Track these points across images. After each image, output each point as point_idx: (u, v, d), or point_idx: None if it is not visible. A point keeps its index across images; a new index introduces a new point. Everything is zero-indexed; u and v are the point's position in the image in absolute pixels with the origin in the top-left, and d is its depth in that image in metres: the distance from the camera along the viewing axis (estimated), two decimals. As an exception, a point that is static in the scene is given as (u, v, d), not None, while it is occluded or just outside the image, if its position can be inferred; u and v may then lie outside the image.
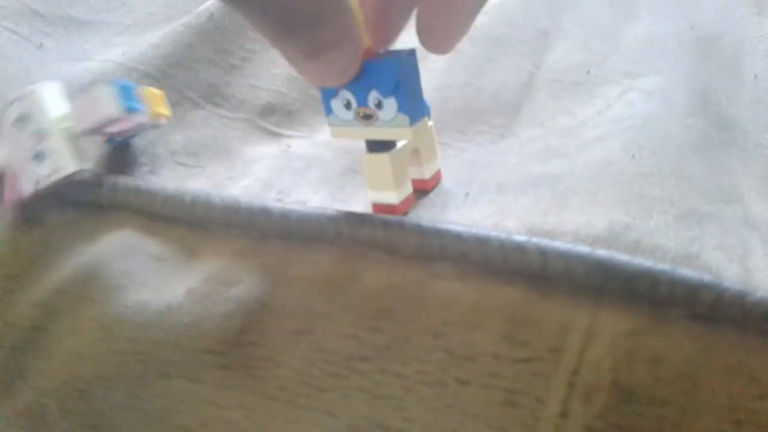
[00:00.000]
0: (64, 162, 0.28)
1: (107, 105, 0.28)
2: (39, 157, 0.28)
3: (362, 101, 0.26)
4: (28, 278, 0.29)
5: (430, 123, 0.29)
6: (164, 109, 0.31)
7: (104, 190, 0.30)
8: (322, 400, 0.25)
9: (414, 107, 0.26)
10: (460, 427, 0.23)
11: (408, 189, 0.28)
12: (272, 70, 0.39)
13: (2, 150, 0.28)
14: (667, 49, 0.38)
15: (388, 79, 0.25)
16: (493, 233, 0.25)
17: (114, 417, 0.27)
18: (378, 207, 0.28)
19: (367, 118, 0.27)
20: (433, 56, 0.39)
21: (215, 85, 0.38)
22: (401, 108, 0.26)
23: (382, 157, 0.27)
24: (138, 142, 0.34)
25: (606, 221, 0.25)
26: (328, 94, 0.27)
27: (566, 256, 0.23)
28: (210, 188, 0.30)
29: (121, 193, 0.30)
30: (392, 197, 0.27)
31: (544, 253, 0.24)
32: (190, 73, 0.38)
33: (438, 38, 0.26)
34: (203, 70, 0.38)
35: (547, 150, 0.33)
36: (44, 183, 0.28)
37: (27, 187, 0.29)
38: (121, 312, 0.27)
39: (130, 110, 0.28)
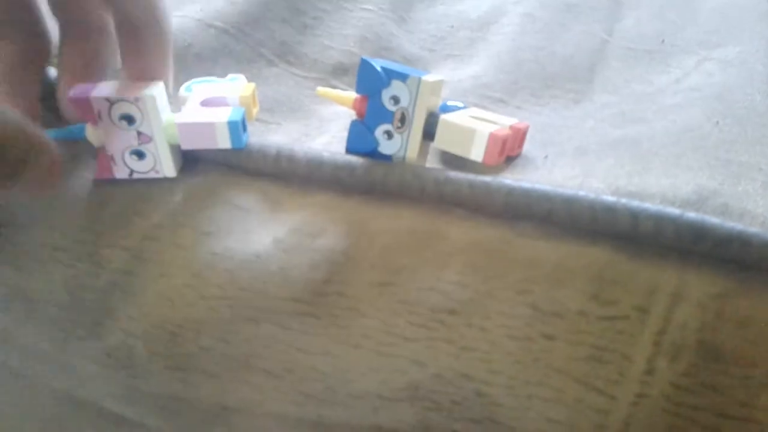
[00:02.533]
0: (164, 169, 0.30)
1: (221, 140, 0.29)
2: (139, 154, 0.29)
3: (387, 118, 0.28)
4: (118, 224, 0.30)
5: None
6: (256, 108, 0.31)
7: (189, 141, 0.31)
8: (407, 350, 0.25)
9: None
10: (544, 381, 0.24)
11: None
12: (343, 30, 0.40)
13: (103, 133, 0.29)
14: (745, 19, 0.38)
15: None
16: (581, 193, 0.25)
17: (201, 360, 0.28)
18: None
19: (401, 120, 0.28)
20: (505, 19, 0.39)
21: (288, 44, 0.38)
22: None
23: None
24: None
25: (692, 185, 0.25)
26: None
27: (656, 218, 0.24)
28: (291, 143, 0.31)
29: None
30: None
31: (634, 214, 0.24)
32: (265, 32, 0.38)
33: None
34: (277, 29, 0.39)
35: (624, 115, 0.33)
36: (139, 176, 0.30)
37: (121, 173, 0.30)
38: (209, 259, 0.28)
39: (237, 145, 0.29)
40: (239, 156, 0.30)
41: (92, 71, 0.30)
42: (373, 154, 0.29)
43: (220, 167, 0.30)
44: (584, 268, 0.24)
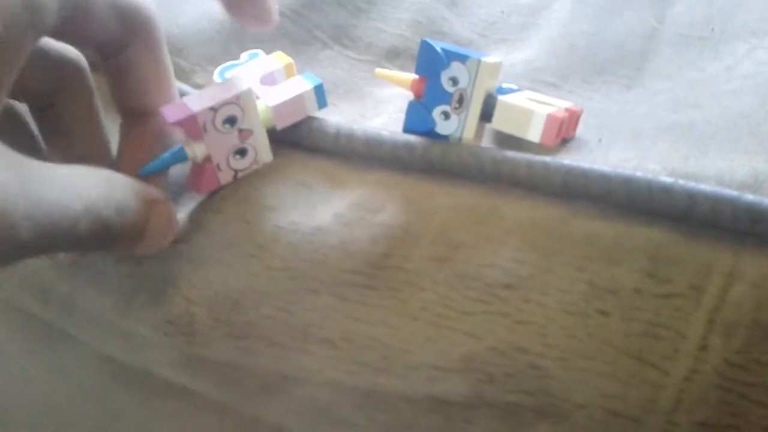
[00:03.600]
0: (264, 156, 0.30)
1: (310, 107, 0.30)
2: (242, 152, 0.30)
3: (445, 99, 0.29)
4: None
5: None
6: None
7: (251, 119, 0.32)
8: (464, 323, 0.26)
9: None
10: (598, 355, 0.25)
11: None
12: (396, 14, 0.40)
13: (205, 145, 0.29)
14: (797, 7, 0.38)
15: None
16: (639, 173, 0.25)
17: (262, 328, 0.29)
18: None
19: (459, 101, 0.28)
20: (557, 4, 0.39)
21: (343, 27, 0.39)
22: None
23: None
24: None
25: (749, 168, 0.26)
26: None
27: (713, 199, 0.24)
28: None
29: (266, 123, 0.32)
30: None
31: (691, 195, 0.24)
32: (320, 14, 0.39)
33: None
34: (332, 12, 0.39)
35: (677, 101, 0.33)
36: (242, 174, 0.30)
37: (226, 177, 0.30)
38: (273, 231, 0.29)
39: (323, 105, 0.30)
40: (300, 134, 0.31)
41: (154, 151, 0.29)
42: (430, 134, 0.29)
43: (281, 145, 0.31)
44: (640, 247, 0.25)
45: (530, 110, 0.28)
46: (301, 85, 0.30)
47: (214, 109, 0.28)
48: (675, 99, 0.33)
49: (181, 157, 0.29)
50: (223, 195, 0.30)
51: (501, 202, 0.27)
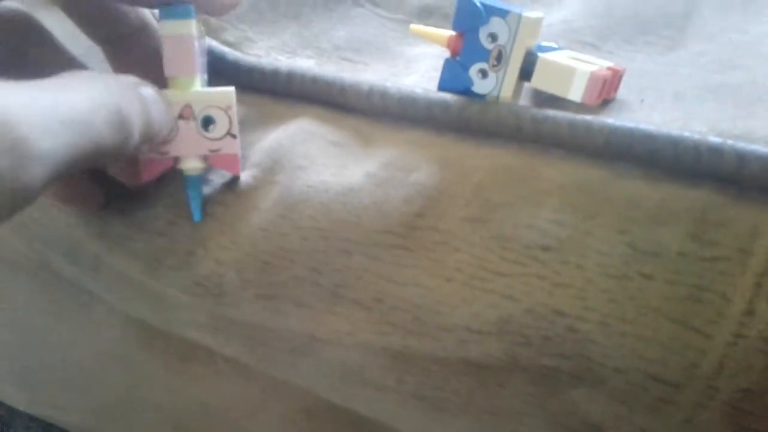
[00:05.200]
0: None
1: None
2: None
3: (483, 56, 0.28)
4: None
5: None
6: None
7: (281, 78, 0.31)
8: (500, 284, 0.26)
9: None
10: (639, 319, 0.24)
11: None
12: (429, -28, 0.39)
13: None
14: None
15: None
16: (686, 133, 0.25)
17: (292, 289, 0.29)
18: None
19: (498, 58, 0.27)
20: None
21: (374, -15, 0.38)
22: None
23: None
24: (302, 34, 0.35)
25: (800, 130, 0.25)
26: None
27: (764, 160, 0.23)
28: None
29: (297, 82, 0.31)
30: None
31: (740, 155, 0.24)
32: (350, -29, 0.38)
33: None
34: (363, -31, 0.38)
35: (721, 62, 0.32)
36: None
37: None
38: (304, 191, 0.28)
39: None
40: (332, 92, 0.30)
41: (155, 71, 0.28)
42: (466, 93, 0.29)
43: (313, 105, 0.31)
44: (686, 209, 0.24)
45: (572, 68, 0.27)
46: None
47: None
48: (719, 60, 0.32)
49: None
50: (253, 156, 0.30)
51: (540, 163, 0.27)
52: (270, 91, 0.31)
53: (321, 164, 0.29)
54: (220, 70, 0.32)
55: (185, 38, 0.27)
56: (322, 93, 0.30)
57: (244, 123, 0.31)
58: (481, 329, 0.26)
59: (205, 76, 0.29)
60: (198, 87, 0.28)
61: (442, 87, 0.29)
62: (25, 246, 0.38)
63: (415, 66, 0.34)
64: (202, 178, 0.29)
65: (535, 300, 0.25)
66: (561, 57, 0.28)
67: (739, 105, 0.27)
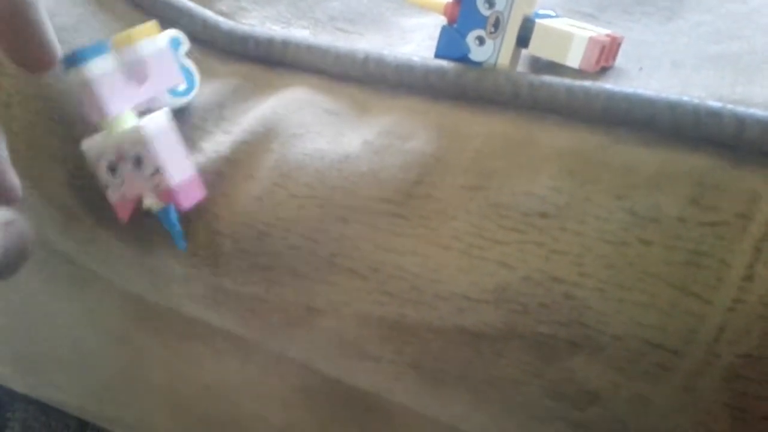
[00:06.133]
0: None
1: None
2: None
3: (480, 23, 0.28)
4: (204, 128, 0.30)
5: None
6: None
7: (276, 46, 0.31)
8: (497, 252, 0.25)
9: None
10: (638, 285, 0.24)
11: None
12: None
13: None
14: None
15: None
16: (686, 98, 0.24)
17: (288, 258, 0.28)
18: None
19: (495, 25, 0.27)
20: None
21: (369, -44, 0.38)
22: None
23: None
24: (297, 4, 0.34)
25: (800, 95, 0.25)
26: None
27: (764, 124, 0.23)
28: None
29: (292, 51, 0.31)
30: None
31: (740, 119, 0.23)
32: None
33: None
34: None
35: (719, 32, 0.32)
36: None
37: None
38: (299, 159, 0.28)
39: None
40: (327, 60, 0.30)
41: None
42: (463, 60, 0.28)
43: (308, 74, 0.30)
44: (685, 174, 0.24)
45: (570, 33, 0.27)
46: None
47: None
48: (717, 31, 0.32)
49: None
50: (247, 124, 0.29)
51: (537, 129, 0.26)
52: (264, 60, 0.31)
53: (316, 132, 0.28)
54: (213, 40, 0.32)
55: (86, 84, 0.26)
56: (317, 61, 0.30)
57: (238, 92, 0.30)
58: (478, 297, 0.26)
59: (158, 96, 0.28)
60: (128, 123, 0.27)
61: (438, 54, 0.29)
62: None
63: (411, 36, 0.33)
64: (171, 209, 0.28)
65: (533, 267, 0.25)
66: (559, 23, 0.28)
67: (738, 73, 0.27)
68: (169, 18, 0.32)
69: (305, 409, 0.40)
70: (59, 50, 0.25)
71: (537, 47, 0.27)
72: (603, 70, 0.29)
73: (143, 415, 0.51)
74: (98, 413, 0.55)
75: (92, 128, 0.27)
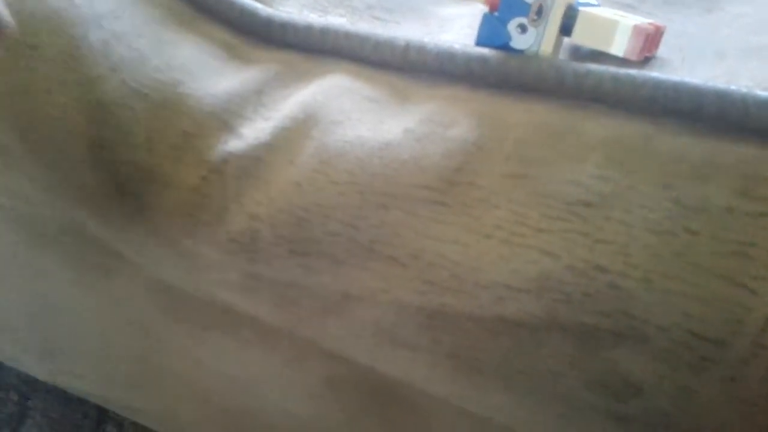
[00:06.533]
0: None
1: None
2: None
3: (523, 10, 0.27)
4: (243, 115, 0.30)
5: None
6: None
7: (315, 33, 0.31)
8: (540, 241, 0.25)
9: None
10: (684, 275, 0.24)
11: None
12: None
13: None
14: None
15: None
16: (733, 87, 0.24)
17: (326, 245, 0.28)
18: None
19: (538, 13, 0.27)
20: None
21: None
22: None
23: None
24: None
25: None
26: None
27: (816, 113, 0.23)
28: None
29: (331, 37, 0.31)
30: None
31: (791, 108, 0.23)
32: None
33: None
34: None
35: (761, 23, 0.31)
36: None
37: None
38: (339, 146, 0.28)
39: None
40: (365, 48, 0.30)
41: None
42: (504, 48, 0.28)
43: (347, 61, 0.30)
44: (733, 164, 0.24)
45: (615, 21, 0.26)
46: None
47: None
48: (759, 22, 0.32)
49: None
50: (287, 111, 0.29)
51: (581, 118, 0.26)
52: (303, 48, 0.31)
53: (356, 119, 0.28)
54: (251, 27, 0.32)
55: None
56: (356, 49, 0.30)
57: (277, 78, 0.30)
58: (519, 286, 0.26)
59: None
60: None
61: (479, 42, 0.29)
62: (49, 206, 0.37)
63: (449, 25, 0.33)
64: None
65: (577, 256, 0.25)
66: (602, 11, 0.27)
67: (785, 63, 0.27)
68: (206, 5, 0.32)
69: (331, 400, 0.40)
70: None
71: (580, 35, 0.27)
72: (646, 60, 0.29)
73: (166, 406, 0.51)
74: (121, 403, 0.55)
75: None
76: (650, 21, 0.28)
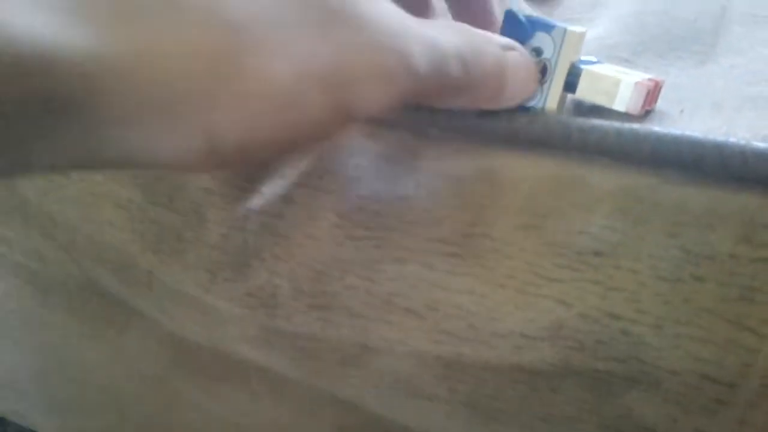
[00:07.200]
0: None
1: None
2: None
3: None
4: (264, 172, 0.31)
5: None
6: None
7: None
8: (553, 290, 0.26)
9: None
10: (694, 320, 0.24)
11: None
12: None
13: None
14: None
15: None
16: (732, 139, 0.25)
17: (345, 298, 0.29)
18: None
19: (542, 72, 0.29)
20: (626, -15, 0.39)
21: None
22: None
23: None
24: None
25: (842, 135, 0.26)
26: None
27: (811, 163, 0.24)
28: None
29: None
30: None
31: (787, 159, 0.24)
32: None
33: None
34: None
35: (754, 74, 0.33)
36: None
37: None
38: (356, 201, 0.29)
39: None
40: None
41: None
42: None
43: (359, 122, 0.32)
44: (735, 212, 0.25)
45: (618, 79, 0.28)
46: None
47: None
48: (751, 73, 0.33)
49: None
50: (306, 168, 0.31)
51: (588, 171, 0.27)
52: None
53: (372, 175, 0.29)
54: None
55: None
56: (369, 109, 0.31)
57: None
58: (534, 335, 0.27)
59: None
60: None
61: None
62: (71, 263, 0.38)
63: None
64: None
65: (589, 304, 0.26)
66: (603, 69, 0.29)
67: (778, 113, 0.28)
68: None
69: (341, 449, 0.41)
70: None
71: (585, 92, 0.28)
72: (647, 113, 0.30)
73: (177, 458, 0.51)
74: (131, 457, 0.55)
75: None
76: (649, 76, 0.30)
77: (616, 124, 0.27)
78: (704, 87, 0.32)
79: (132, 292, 0.35)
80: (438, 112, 0.30)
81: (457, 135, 0.30)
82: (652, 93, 0.29)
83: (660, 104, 0.31)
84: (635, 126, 0.27)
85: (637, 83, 0.27)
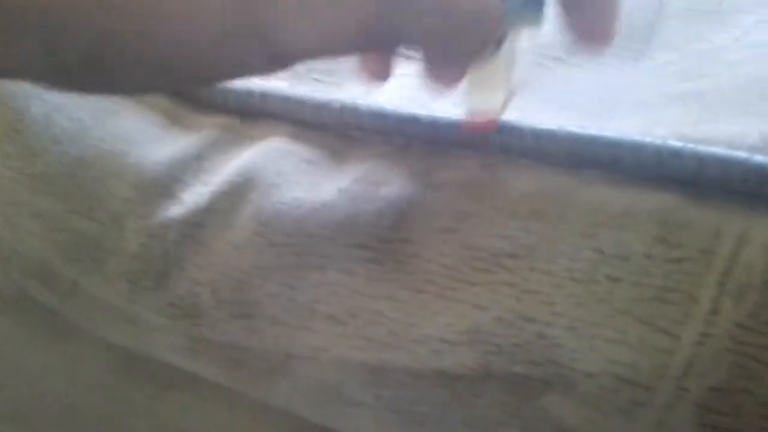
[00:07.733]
0: None
1: None
2: None
3: None
4: (184, 180, 0.31)
5: None
6: None
7: (255, 98, 0.32)
8: (470, 294, 0.26)
9: None
10: (608, 322, 0.24)
11: None
12: None
13: None
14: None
15: None
16: (648, 139, 0.25)
17: (267, 306, 0.29)
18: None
19: None
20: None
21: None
22: None
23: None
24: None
25: (759, 131, 0.25)
26: None
27: (723, 162, 0.24)
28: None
29: (271, 102, 0.31)
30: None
31: (700, 158, 0.24)
32: None
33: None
34: None
35: (686, 71, 0.32)
36: None
37: None
38: (277, 208, 0.28)
39: None
40: (304, 110, 0.31)
41: None
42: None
43: (286, 124, 0.31)
44: (650, 213, 0.24)
45: None
46: None
47: None
48: (683, 69, 0.33)
49: None
50: (226, 175, 0.30)
51: (507, 173, 0.27)
52: (243, 112, 0.32)
53: (294, 182, 0.29)
54: (194, 94, 0.33)
55: None
56: (295, 112, 0.31)
57: (217, 144, 0.31)
58: (453, 339, 0.26)
59: None
60: None
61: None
62: (3, 276, 0.38)
63: (387, 86, 0.34)
64: None
65: (505, 307, 0.25)
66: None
67: (703, 110, 0.28)
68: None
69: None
70: None
71: None
72: (567, 110, 0.30)
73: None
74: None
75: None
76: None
77: (534, 125, 0.27)
78: (635, 84, 0.32)
79: (60, 302, 0.35)
80: (362, 115, 0.30)
81: (381, 137, 0.30)
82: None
83: (584, 103, 0.31)
84: (553, 126, 0.27)
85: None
